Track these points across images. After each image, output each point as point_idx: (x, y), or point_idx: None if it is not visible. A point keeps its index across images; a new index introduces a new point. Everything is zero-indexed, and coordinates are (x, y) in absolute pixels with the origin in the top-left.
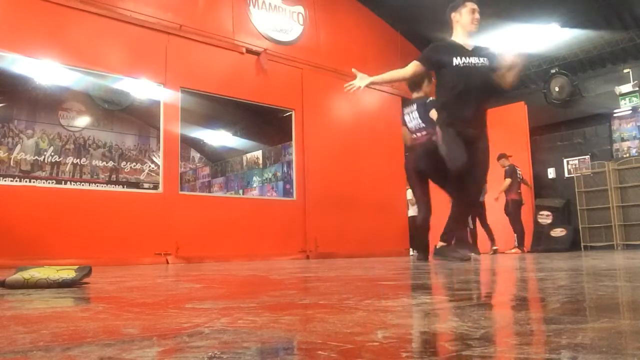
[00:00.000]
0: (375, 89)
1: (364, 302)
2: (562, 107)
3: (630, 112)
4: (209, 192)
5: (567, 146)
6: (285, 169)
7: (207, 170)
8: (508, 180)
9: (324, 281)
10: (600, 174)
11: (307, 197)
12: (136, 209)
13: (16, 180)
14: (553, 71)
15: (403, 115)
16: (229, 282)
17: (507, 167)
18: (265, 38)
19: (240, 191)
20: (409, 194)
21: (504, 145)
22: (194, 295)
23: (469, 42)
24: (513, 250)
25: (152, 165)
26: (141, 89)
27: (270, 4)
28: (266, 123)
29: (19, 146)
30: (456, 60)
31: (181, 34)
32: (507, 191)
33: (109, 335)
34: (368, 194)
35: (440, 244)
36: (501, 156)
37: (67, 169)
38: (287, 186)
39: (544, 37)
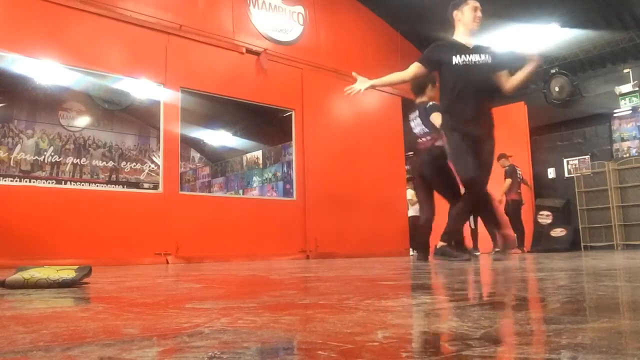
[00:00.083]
0: (375, 89)
1: (364, 302)
2: (562, 107)
3: (630, 112)
4: (209, 192)
5: (567, 146)
6: (285, 169)
7: (207, 170)
8: (509, 181)
9: (324, 281)
10: (600, 174)
11: (307, 197)
12: (136, 209)
13: (16, 180)
14: (553, 71)
15: (409, 120)
16: (229, 282)
17: (507, 167)
18: (265, 38)
19: (240, 191)
20: (409, 194)
21: (504, 145)
22: (194, 295)
23: (470, 41)
24: (513, 251)
25: (152, 165)
26: (141, 89)
27: (270, 4)
28: (266, 123)
29: (19, 146)
30: (456, 59)
31: (181, 34)
32: (507, 191)
33: (109, 335)
34: (368, 194)
35: (440, 243)
36: (501, 156)
37: (67, 169)
38: (287, 186)
39: (544, 37)
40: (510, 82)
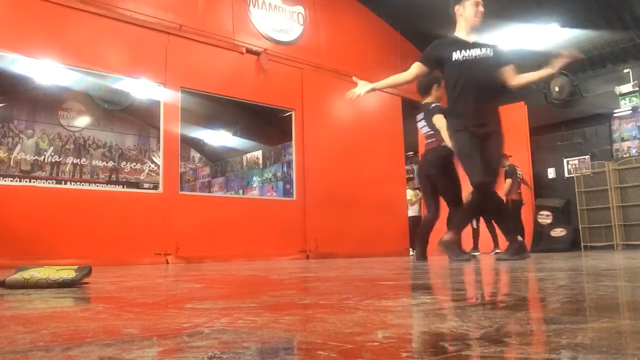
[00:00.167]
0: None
1: (364, 302)
2: (562, 107)
3: (630, 112)
4: (209, 192)
5: (567, 146)
6: (285, 169)
7: (207, 170)
8: (509, 181)
9: (324, 281)
10: (600, 174)
11: (307, 197)
12: (136, 209)
13: (16, 180)
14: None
15: (415, 121)
16: (229, 282)
17: (507, 167)
18: (265, 38)
19: (240, 191)
20: (409, 193)
21: (504, 145)
22: (194, 295)
23: (472, 36)
24: (520, 256)
25: (152, 165)
26: (141, 89)
27: (270, 4)
28: (266, 123)
29: (19, 146)
30: (456, 55)
31: (181, 34)
32: (508, 191)
33: (109, 335)
34: (368, 194)
35: (448, 235)
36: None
37: (67, 169)
38: (287, 186)
39: (544, 37)
40: (519, 78)
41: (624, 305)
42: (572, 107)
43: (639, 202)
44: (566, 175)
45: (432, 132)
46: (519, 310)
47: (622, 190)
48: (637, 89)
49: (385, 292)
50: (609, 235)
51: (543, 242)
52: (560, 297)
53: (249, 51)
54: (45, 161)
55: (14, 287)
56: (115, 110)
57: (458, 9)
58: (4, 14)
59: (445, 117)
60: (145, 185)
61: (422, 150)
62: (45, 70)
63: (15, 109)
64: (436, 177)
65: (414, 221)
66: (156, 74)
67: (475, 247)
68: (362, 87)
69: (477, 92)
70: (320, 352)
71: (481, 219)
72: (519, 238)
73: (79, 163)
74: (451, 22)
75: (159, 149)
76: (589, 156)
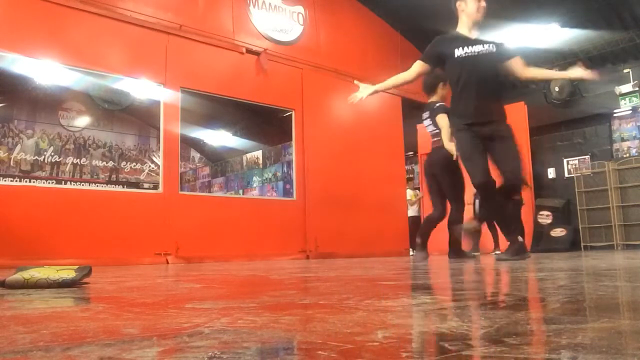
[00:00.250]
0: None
1: (364, 302)
2: (562, 107)
3: (630, 112)
4: (209, 192)
5: (567, 146)
6: (285, 169)
7: (207, 170)
8: None
9: (324, 281)
10: (600, 174)
11: (307, 197)
12: (136, 209)
13: (16, 180)
14: None
15: (422, 120)
16: (229, 282)
17: None
18: (265, 38)
19: (240, 191)
20: (409, 194)
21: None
22: (194, 295)
23: (474, 32)
24: (520, 257)
25: (152, 165)
26: (141, 89)
27: (270, 4)
28: (266, 123)
29: (19, 146)
30: (458, 52)
31: (181, 34)
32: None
33: (109, 335)
34: (368, 194)
35: (470, 223)
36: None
37: (67, 169)
38: (287, 186)
39: (544, 37)
40: (531, 71)
41: (624, 305)
42: (572, 107)
43: (639, 202)
44: (566, 175)
45: (437, 131)
46: (519, 310)
47: (622, 190)
48: (637, 89)
49: (385, 292)
50: (609, 235)
51: (543, 242)
52: (560, 297)
53: (249, 51)
54: (45, 161)
55: (14, 287)
56: (115, 110)
57: (460, 4)
58: (4, 14)
59: (448, 116)
60: (145, 185)
61: (428, 149)
62: (45, 70)
63: (15, 109)
64: (440, 177)
65: (414, 221)
66: (156, 74)
67: (476, 247)
68: (364, 90)
69: (479, 89)
70: (320, 352)
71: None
72: (520, 238)
73: (79, 163)
74: (452, 21)
75: (159, 149)
76: (589, 156)
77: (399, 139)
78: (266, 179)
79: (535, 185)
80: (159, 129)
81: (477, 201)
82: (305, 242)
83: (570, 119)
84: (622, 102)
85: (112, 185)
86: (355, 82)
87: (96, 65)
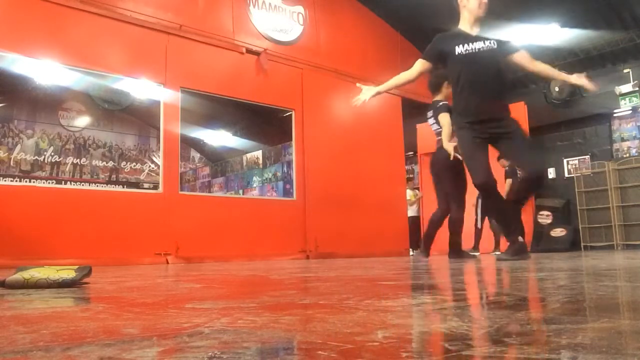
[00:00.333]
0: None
1: (364, 302)
2: (562, 107)
3: (630, 112)
4: (209, 192)
5: (567, 146)
6: (285, 169)
7: (207, 170)
8: (509, 181)
9: (324, 281)
10: (600, 174)
11: (307, 197)
12: (136, 209)
13: (16, 180)
14: None
15: (427, 119)
16: (229, 282)
17: (507, 168)
18: (265, 38)
19: (240, 191)
20: (408, 194)
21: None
22: (194, 295)
23: (475, 29)
24: (520, 257)
25: (152, 165)
26: (141, 89)
27: (270, 4)
28: (266, 123)
29: (19, 146)
30: (459, 49)
31: (181, 34)
32: (508, 191)
33: (109, 335)
34: (368, 194)
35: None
36: (501, 156)
37: (67, 169)
38: (287, 186)
39: (544, 37)
40: (538, 65)
41: (624, 305)
42: (572, 107)
43: (639, 202)
44: (566, 175)
45: (440, 129)
46: (519, 310)
47: (622, 190)
48: (637, 89)
49: (385, 292)
50: (609, 235)
51: (543, 242)
52: (560, 297)
53: (249, 51)
54: (45, 161)
55: (14, 287)
56: (115, 110)
57: (461, 0)
58: (4, 14)
59: (450, 114)
60: (145, 185)
61: (431, 148)
62: (45, 70)
63: (15, 109)
64: (443, 176)
65: (414, 221)
66: (156, 74)
67: (476, 247)
68: (367, 92)
69: (480, 86)
70: (320, 352)
71: (486, 219)
72: (520, 239)
73: (79, 163)
74: (452, 20)
75: (159, 149)
76: (589, 156)
77: (399, 139)
78: (266, 179)
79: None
80: (159, 129)
81: (479, 201)
82: (305, 242)
83: (570, 119)
84: (622, 102)
85: (112, 185)
86: (358, 84)
87: (96, 65)
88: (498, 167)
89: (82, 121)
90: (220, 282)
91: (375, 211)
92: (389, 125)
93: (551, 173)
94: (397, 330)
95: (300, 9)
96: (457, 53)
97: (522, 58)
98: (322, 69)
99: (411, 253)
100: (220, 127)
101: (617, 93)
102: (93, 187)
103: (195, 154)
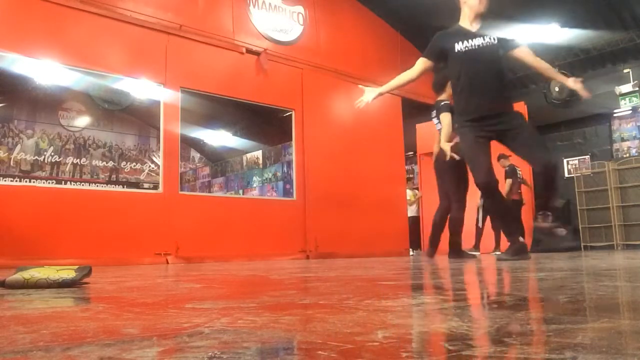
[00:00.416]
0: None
1: (364, 302)
2: (562, 107)
3: (630, 112)
4: (209, 192)
5: (567, 146)
6: (285, 169)
7: (207, 170)
8: (509, 181)
9: (324, 281)
10: (600, 174)
11: (307, 197)
12: (136, 209)
13: (16, 180)
14: None
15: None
16: (229, 282)
17: (507, 168)
18: (265, 38)
19: (240, 191)
20: (408, 194)
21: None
22: (194, 295)
23: (475, 25)
24: (520, 257)
25: (152, 165)
26: (141, 89)
27: (270, 4)
28: (266, 123)
29: (19, 146)
30: (459, 46)
31: (181, 34)
32: (508, 191)
33: (109, 335)
34: (368, 194)
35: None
36: (501, 156)
37: (67, 169)
38: (287, 186)
39: (544, 37)
40: (539, 61)
41: (624, 305)
42: (572, 107)
43: (639, 202)
44: (566, 175)
45: None
46: (519, 310)
47: (622, 190)
48: (637, 89)
49: (385, 292)
50: (609, 235)
51: (543, 242)
52: (560, 297)
53: (249, 51)
54: (45, 161)
55: (14, 287)
56: (115, 110)
57: None
58: (4, 14)
59: (453, 114)
60: (145, 185)
61: (429, 149)
62: (45, 70)
63: (15, 109)
64: (445, 175)
65: (414, 221)
66: (156, 74)
67: (476, 247)
68: (369, 93)
69: (481, 83)
70: (320, 352)
71: (487, 218)
72: (520, 239)
73: (79, 163)
74: (452, 20)
75: (159, 149)
76: (589, 156)
77: (398, 139)
78: (266, 179)
79: (536, 185)
80: (159, 129)
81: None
82: (305, 242)
83: (570, 119)
84: (622, 102)
85: (112, 185)
86: (360, 86)
87: (96, 65)
88: (498, 167)
89: (82, 121)
90: (220, 282)
91: (375, 211)
92: (389, 125)
93: None
94: (397, 330)
95: (300, 9)
96: (457, 50)
97: (523, 53)
98: (322, 69)
99: (411, 253)
100: (220, 127)
101: (617, 93)
102: (93, 187)
103: (195, 154)
